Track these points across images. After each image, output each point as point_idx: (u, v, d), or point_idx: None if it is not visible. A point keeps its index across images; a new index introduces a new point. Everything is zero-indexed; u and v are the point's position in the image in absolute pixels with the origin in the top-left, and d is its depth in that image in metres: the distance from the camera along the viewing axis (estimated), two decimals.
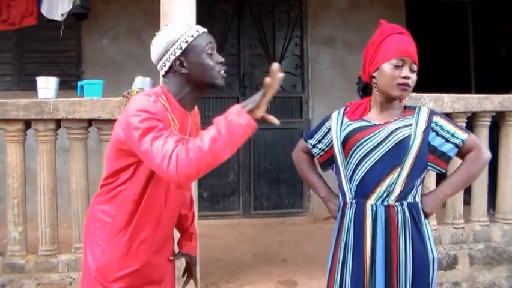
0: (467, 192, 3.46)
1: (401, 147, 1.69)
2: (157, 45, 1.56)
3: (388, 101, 1.77)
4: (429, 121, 1.75)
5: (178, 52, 1.52)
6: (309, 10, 5.43)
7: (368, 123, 1.77)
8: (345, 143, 1.77)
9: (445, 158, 1.75)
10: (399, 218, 1.71)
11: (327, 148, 1.91)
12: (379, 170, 1.71)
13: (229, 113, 1.36)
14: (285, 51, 5.45)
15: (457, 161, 1.81)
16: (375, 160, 1.71)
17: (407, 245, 1.70)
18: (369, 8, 5.41)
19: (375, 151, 1.71)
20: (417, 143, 1.71)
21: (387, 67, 1.72)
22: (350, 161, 1.76)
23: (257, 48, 5.42)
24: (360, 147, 1.74)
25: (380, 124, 1.75)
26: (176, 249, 1.86)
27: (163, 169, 1.33)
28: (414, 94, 3.08)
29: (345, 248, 1.77)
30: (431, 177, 3.19)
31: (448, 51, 6.47)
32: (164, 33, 1.55)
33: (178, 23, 1.61)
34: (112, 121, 2.88)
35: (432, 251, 1.74)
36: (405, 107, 1.84)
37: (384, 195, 1.71)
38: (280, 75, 1.34)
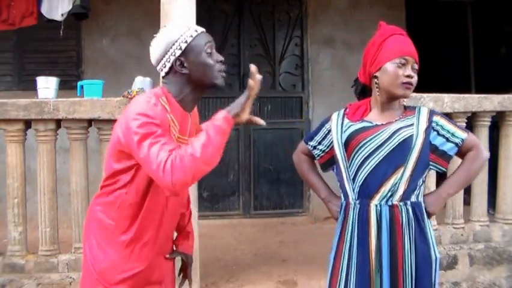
0: (467, 192, 3.46)
1: (404, 147, 1.71)
2: (156, 47, 1.56)
3: (390, 100, 1.78)
4: (430, 121, 1.77)
5: (178, 52, 1.52)
6: (309, 10, 5.43)
7: (370, 124, 1.78)
8: (347, 144, 1.78)
9: (446, 157, 1.77)
10: (404, 217, 1.72)
11: (327, 149, 1.91)
12: (383, 170, 1.71)
13: (215, 118, 1.39)
14: (285, 51, 5.45)
15: (457, 161, 1.83)
16: (379, 160, 1.72)
17: (411, 245, 1.71)
18: (369, 8, 5.41)
19: (379, 151, 1.72)
20: (419, 142, 1.72)
21: (390, 66, 1.73)
22: (353, 161, 1.77)
23: (257, 48, 5.42)
24: (363, 148, 1.74)
25: (382, 124, 1.76)
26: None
27: (159, 176, 1.34)
28: (414, 94, 3.07)
29: (349, 249, 1.77)
30: (431, 177, 3.19)
31: (447, 51, 6.46)
32: (163, 34, 1.56)
33: (178, 23, 1.61)
34: (112, 121, 2.88)
35: (434, 250, 1.76)
36: (405, 107, 1.85)
37: (389, 195, 1.72)
38: (259, 76, 1.40)
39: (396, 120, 1.77)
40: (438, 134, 1.76)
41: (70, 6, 4.27)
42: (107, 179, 1.58)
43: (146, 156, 1.36)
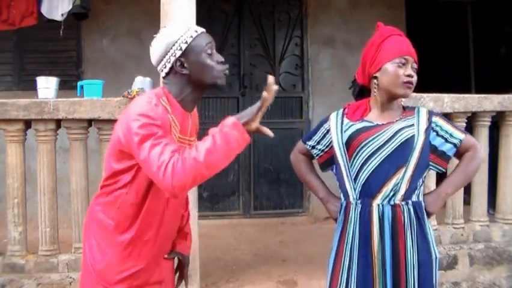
0: (467, 192, 3.46)
1: (406, 147, 1.72)
2: (156, 47, 1.56)
3: (390, 100, 1.79)
4: (429, 121, 1.78)
5: (178, 53, 1.52)
6: (309, 10, 5.43)
7: (371, 124, 1.78)
8: (349, 144, 1.78)
9: (445, 157, 1.78)
10: (406, 217, 1.73)
11: (326, 149, 1.91)
12: (385, 170, 1.72)
13: (224, 124, 1.38)
14: (285, 51, 5.45)
15: (457, 160, 1.84)
16: (381, 160, 1.72)
17: (413, 244, 1.72)
18: (369, 8, 5.41)
19: (381, 151, 1.73)
20: (420, 142, 1.73)
21: (390, 66, 1.74)
22: (355, 161, 1.77)
23: (257, 48, 5.42)
24: (365, 148, 1.75)
25: (383, 124, 1.77)
26: None
27: (159, 178, 1.34)
28: (414, 94, 3.07)
29: (351, 249, 1.77)
30: (431, 177, 3.19)
31: (447, 51, 6.46)
32: (163, 35, 1.56)
33: (178, 23, 1.61)
34: (112, 121, 2.89)
35: (434, 250, 1.77)
36: (404, 108, 1.86)
37: (391, 194, 1.72)
38: (275, 87, 1.40)
39: (397, 121, 1.78)
40: (438, 134, 1.77)
41: (70, 6, 4.27)
42: (108, 179, 1.58)
43: (146, 157, 1.36)
